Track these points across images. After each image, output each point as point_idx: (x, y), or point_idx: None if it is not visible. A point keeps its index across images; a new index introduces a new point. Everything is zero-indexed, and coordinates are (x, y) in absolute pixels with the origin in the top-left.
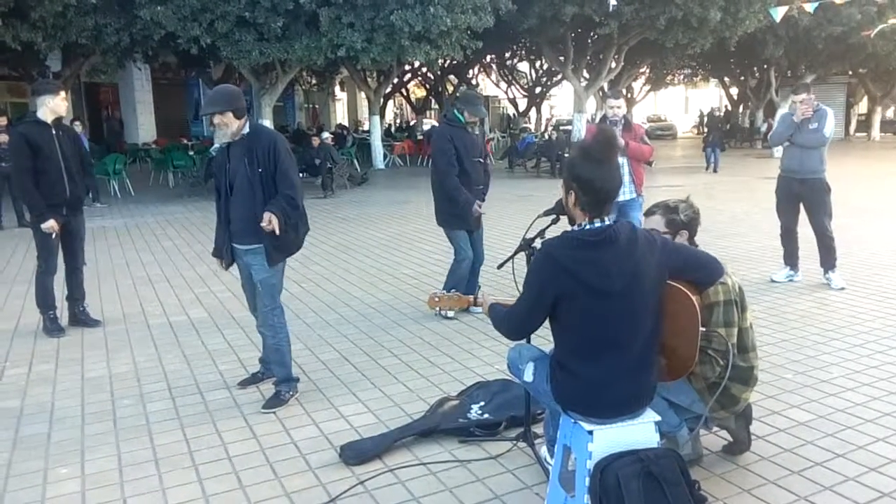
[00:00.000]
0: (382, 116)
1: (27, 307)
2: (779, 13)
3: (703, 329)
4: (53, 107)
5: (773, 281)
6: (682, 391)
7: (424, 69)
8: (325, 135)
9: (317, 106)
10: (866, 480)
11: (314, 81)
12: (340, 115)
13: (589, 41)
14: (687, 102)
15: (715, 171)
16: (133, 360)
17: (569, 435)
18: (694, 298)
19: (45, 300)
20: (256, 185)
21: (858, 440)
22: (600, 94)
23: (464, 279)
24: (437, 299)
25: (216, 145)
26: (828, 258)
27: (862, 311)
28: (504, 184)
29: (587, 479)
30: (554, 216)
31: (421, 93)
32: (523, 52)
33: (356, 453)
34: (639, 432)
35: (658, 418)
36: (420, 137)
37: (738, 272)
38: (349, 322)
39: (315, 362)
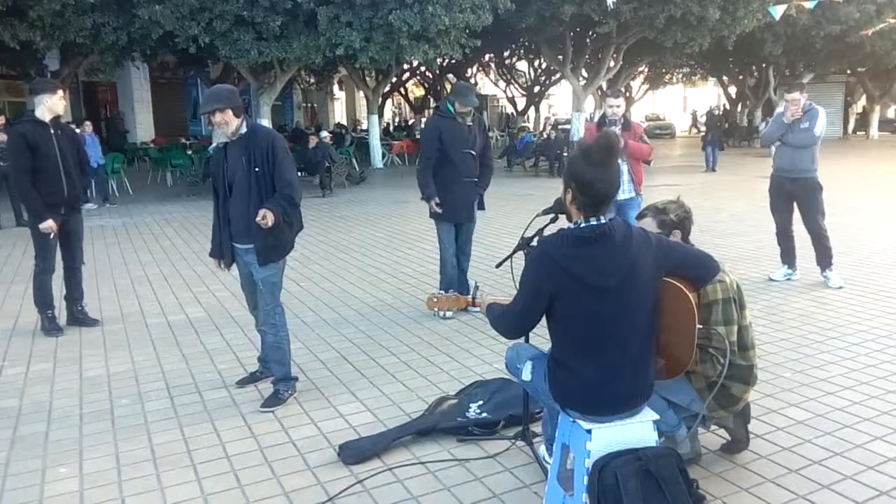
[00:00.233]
0: (381, 115)
1: (25, 306)
2: (778, 11)
3: (703, 327)
4: (51, 106)
5: (771, 280)
6: (680, 390)
7: (423, 68)
8: (324, 134)
9: (315, 105)
10: (864, 479)
11: (312, 80)
12: (339, 115)
13: (587, 40)
14: (685, 101)
15: (714, 170)
16: (131, 360)
17: (567, 434)
18: (691, 296)
19: (43, 299)
20: (255, 185)
21: (856, 438)
22: (599, 93)
23: (454, 278)
24: (435, 300)
25: (214, 144)
26: (823, 257)
27: (860, 309)
28: (502, 183)
29: (586, 478)
30: (553, 215)
31: (419, 92)
32: (522, 51)
33: (355, 452)
34: (637, 431)
35: (656, 417)
36: (418, 137)
37: (736, 271)
38: (348, 321)
39: (314, 361)
